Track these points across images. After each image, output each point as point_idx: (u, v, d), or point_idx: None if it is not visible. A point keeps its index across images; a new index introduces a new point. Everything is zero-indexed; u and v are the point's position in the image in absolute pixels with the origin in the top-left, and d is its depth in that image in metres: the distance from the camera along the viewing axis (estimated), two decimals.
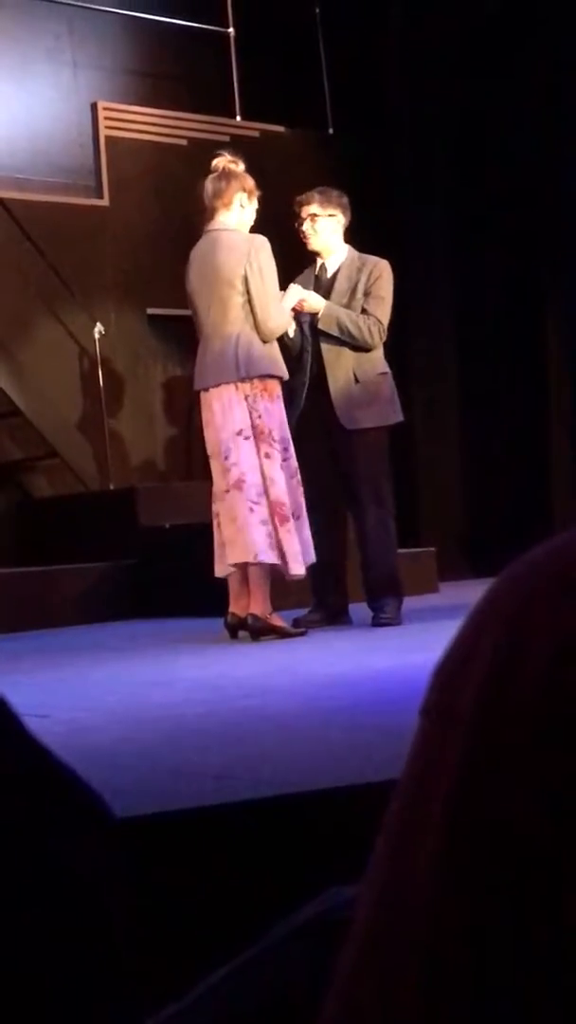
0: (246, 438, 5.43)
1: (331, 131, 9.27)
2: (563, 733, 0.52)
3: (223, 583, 5.55)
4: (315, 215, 5.85)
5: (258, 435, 5.44)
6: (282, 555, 5.41)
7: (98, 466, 8.24)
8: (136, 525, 7.38)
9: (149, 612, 6.88)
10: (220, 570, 5.54)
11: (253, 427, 5.44)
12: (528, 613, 0.55)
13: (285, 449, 5.51)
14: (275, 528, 5.40)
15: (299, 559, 5.45)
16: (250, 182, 5.57)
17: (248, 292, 5.45)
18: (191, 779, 2.52)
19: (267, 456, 5.44)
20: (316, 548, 5.82)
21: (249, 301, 5.46)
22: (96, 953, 0.76)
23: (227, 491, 5.47)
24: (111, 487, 8.02)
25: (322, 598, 5.90)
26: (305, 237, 5.88)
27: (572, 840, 0.51)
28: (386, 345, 5.93)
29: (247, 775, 2.51)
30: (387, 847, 0.59)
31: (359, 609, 5.88)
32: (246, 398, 5.44)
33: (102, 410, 8.16)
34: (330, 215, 5.86)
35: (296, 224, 5.90)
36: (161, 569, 6.94)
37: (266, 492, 5.42)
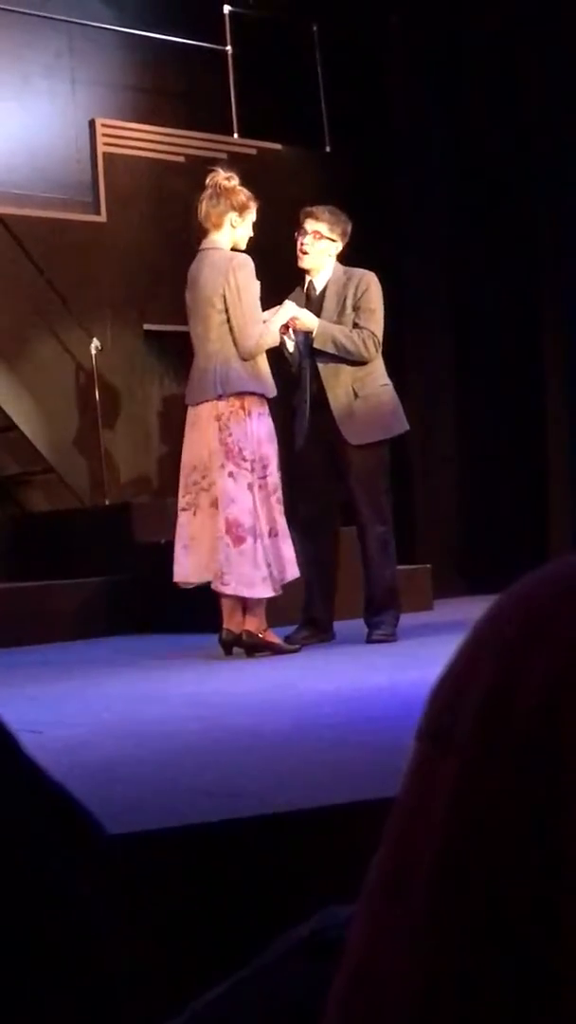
0: (216, 458, 5.45)
1: (328, 149, 9.30)
2: (559, 759, 0.52)
3: (217, 599, 5.55)
4: (320, 234, 5.85)
5: (227, 453, 5.45)
6: (234, 577, 5.41)
7: (94, 481, 8.25)
8: (131, 541, 7.38)
9: (144, 628, 6.88)
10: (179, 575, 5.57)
11: (222, 446, 5.45)
12: (525, 639, 0.56)
13: (264, 467, 5.51)
14: (228, 549, 5.42)
15: (271, 579, 5.44)
16: (241, 198, 5.55)
17: (227, 311, 5.46)
18: (185, 796, 2.51)
19: (231, 475, 5.44)
20: (314, 562, 5.82)
21: (228, 320, 5.47)
22: (88, 970, 0.76)
23: (198, 508, 5.51)
24: (107, 502, 8.02)
25: (311, 615, 5.90)
26: (301, 249, 5.86)
27: (564, 865, 0.52)
28: (383, 358, 5.93)
29: (241, 792, 2.51)
30: (382, 870, 0.59)
31: (355, 625, 5.88)
32: (218, 418, 5.46)
33: (98, 425, 8.17)
34: (332, 240, 5.86)
35: (296, 232, 5.88)
36: (156, 585, 6.92)
37: (225, 511, 5.43)
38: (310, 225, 5.84)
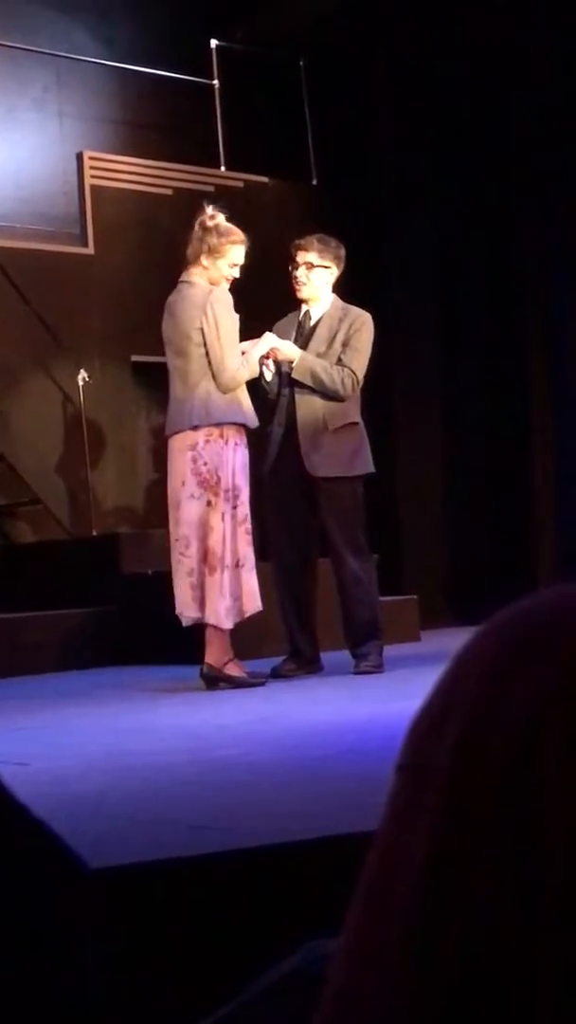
0: (184, 486, 5.47)
1: (315, 182, 9.34)
2: (540, 787, 0.52)
3: (202, 632, 5.54)
4: (311, 264, 5.88)
5: (202, 483, 5.46)
6: (204, 607, 5.42)
7: (80, 512, 8.24)
8: (118, 572, 7.36)
9: (130, 659, 6.86)
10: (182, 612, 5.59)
11: (193, 476, 5.46)
12: (505, 668, 0.56)
13: (236, 497, 5.52)
14: (202, 578, 5.42)
15: (230, 612, 5.45)
16: (213, 240, 5.52)
17: (205, 345, 5.48)
18: (170, 829, 2.50)
19: (209, 504, 5.46)
20: (291, 596, 5.82)
21: (207, 353, 5.49)
22: (73, 1005, 0.76)
23: (176, 540, 5.52)
24: (93, 533, 8.01)
25: (297, 647, 5.88)
26: (297, 283, 5.90)
27: (546, 893, 0.51)
28: (366, 393, 5.95)
29: (226, 825, 2.50)
30: (363, 904, 0.58)
31: (343, 656, 5.87)
32: (192, 447, 5.48)
33: (85, 456, 8.17)
34: (325, 267, 5.89)
35: (290, 267, 5.91)
36: (143, 616, 6.92)
37: (201, 540, 5.43)
38: (301, 257, 5.88)
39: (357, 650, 5.78)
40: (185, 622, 5.54)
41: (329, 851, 2.13)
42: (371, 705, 4.57)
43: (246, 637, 5.89)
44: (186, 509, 5.48)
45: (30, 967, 0.74)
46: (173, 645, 6.29)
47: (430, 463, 8.99)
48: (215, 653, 5.45)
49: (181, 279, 5.64)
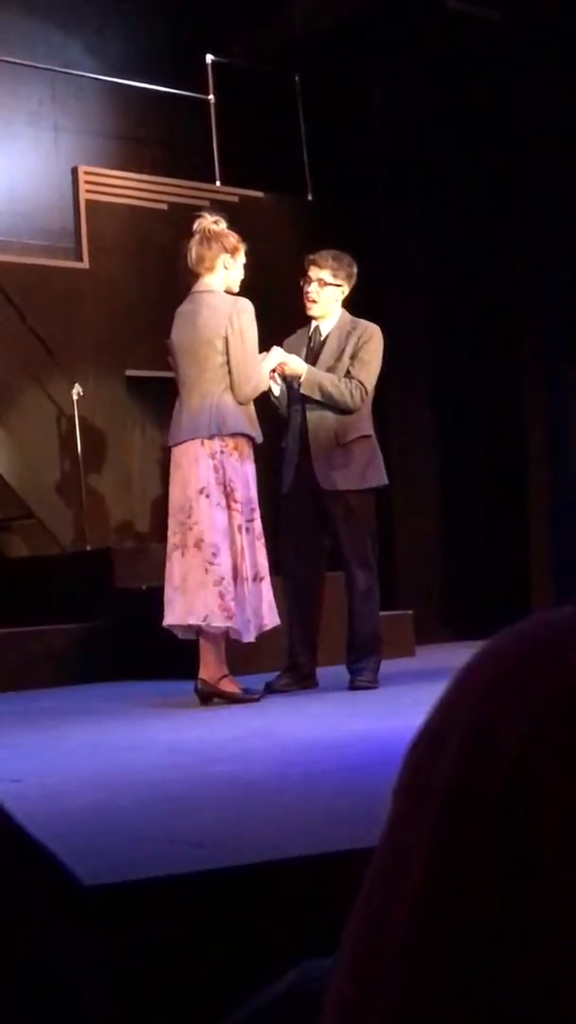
0: (207, 496, 5.43)
1: (310, 197, 9.36)
2: (534, 812, 0.52)
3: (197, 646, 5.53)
4: (324, 281, 5.88)
5: (225, 493, 5.44)
6: (233, 618, 5.38)
7: (75, 527, 8.23)
8: (112, 586, 7.35)
9: (125, 674, 6.84)
10: (168, 620, 5.52)
11: (217, 485, 5.44)
12: (498, 696, 0.56)
13: (251, 511, 5.51)
14: (230, 590, 5.38)
15: (249, 625, 5.43)
16: (232, 240, 5.59)
17: (227, 354, 5.48)
18: (165, 846, 2.49)
19: (229, 517, 5.44)
20: (298, 610, 5.81)
21: (228, 362, 5.48)
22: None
23: (185, 548, 5.47)
24: (88, 548, 8.00)
25: (295, 660, 5.88)
26: (308, 298, 5.89)
27: (539, 917, 0.51)
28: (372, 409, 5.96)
29: (221, 842, 2.49)
30: (360, 925, 0.58)
31: (337, 671, 5.86)
32: (212, 455, 5.45)
33: (79, 471, 8.16)
34: (337, 285, 5.89)
35: (301, 282, 5.90)
36: (137, 631, 6.91)
37: (224, 553, 5.41)
38: (314, 273, 5.88)
39: (354, 665, 5.78)
40: (214, 631, 5.40)
41: (325, 868, 2.12)
42: (366, 721, 4.56)
43: (241, 652, 5.88)
44: (214, 517, 5.41)
45: (25, 985, 0.73)
46: (167, 660, 6.28)
47: (425, 479, 9.00)
48: (210, 668, 5.43)
49: (196, 289, 5.62)
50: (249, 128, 9.03)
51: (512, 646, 0.58)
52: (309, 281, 5.88)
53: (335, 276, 5.87)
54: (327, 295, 5.88)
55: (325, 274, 5.86)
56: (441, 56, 8.74)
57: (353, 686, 5.70)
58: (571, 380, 8.54)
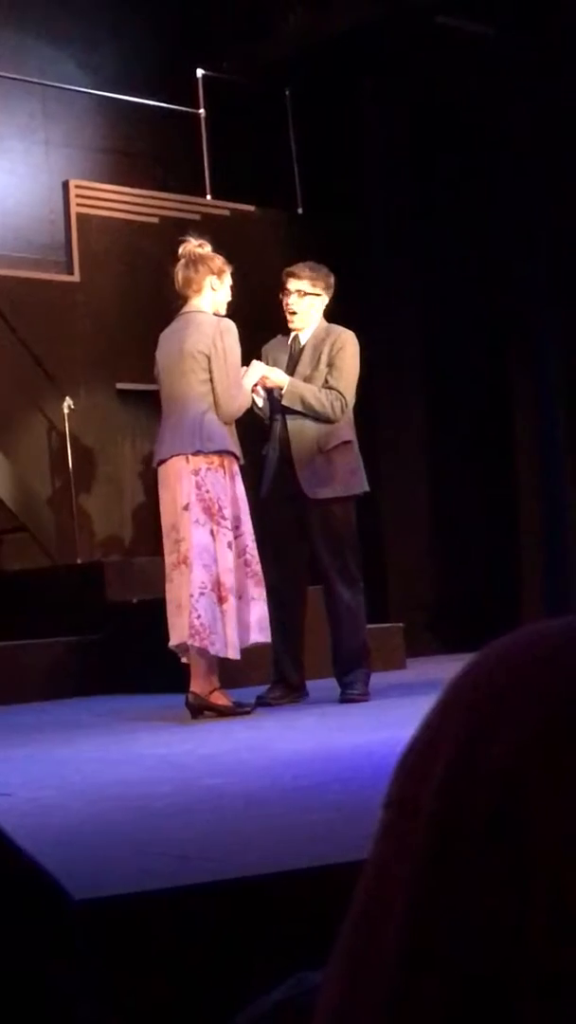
0: (191, 512, 5.44)
1: (300, 211, 9.38)
2: (525, 827, 0.52)
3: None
4: (303, 291, 5.90)
5: (206, 510, 5.44)
6: (217, 635, 5.38)
7: (65, 540, 8.22)
8: (103, 600, 7.34)
9: (116, 688, 6.83)
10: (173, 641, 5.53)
11: (199, 502, 5.44)
12: (488, 709, 0.55)
13: (236, 527, 5.51)
14: (213, 607, 5.38)
15: (235, 643, 5.42)
16: (218, 262, 5.62)
17: (211, 372, 5.50)
18: (155, 859, 2.48)
19: (212, 533, 5.44)
20: (280, 623, 5.80)
21: (211, 381, 5.50)
22: None
23: (175, 566, 5.48)
24: (78, 561, 7.99)
25: (283, 674, 5.87)
26: (288, 311, 5.91)
27: (531, 933, 0.51)
28: (355, 417, 5.96)
29: (212, 856, 2.48)
30: (351, 939, 0.58)
31: (328, 684, 5.86)
32: (195, 472, 5.46)
33: (70, 484, 8.16)
34: (316, 294, 5.91)
35: (281, 295, 5.93)
36: (128, 645, 6.90)
37: (205, 568, 5.41)
38: (292, 284, 5.90)
39: (344, 678, 5.78)
40: (184, 653, 5.45)
41: (316, 882, 2.12)
42: (357, 734, 4.56)
43: (233, 665, 5.87)
44: (193, 534, 5.44)
45: (16, 1001, 0.73)
46: (158, 674, 6.27)
47: (416, 490, 9.00)
48: (201, 682, 5.43)
49: (184, 310, 5.65)
50: (240, 142, 9.05)
51: (502, 658, 0.58)
52: (288, 293, 5.90)
53: (314, 285, 5.90)
54: (307, 305, 5.90)
55: (303, 284, 5.89)
56: (431, 71, 8.77)
57: (344, 699, 5.69)
58: (562, 394, 8.56)
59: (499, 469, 8.72)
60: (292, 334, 5.98)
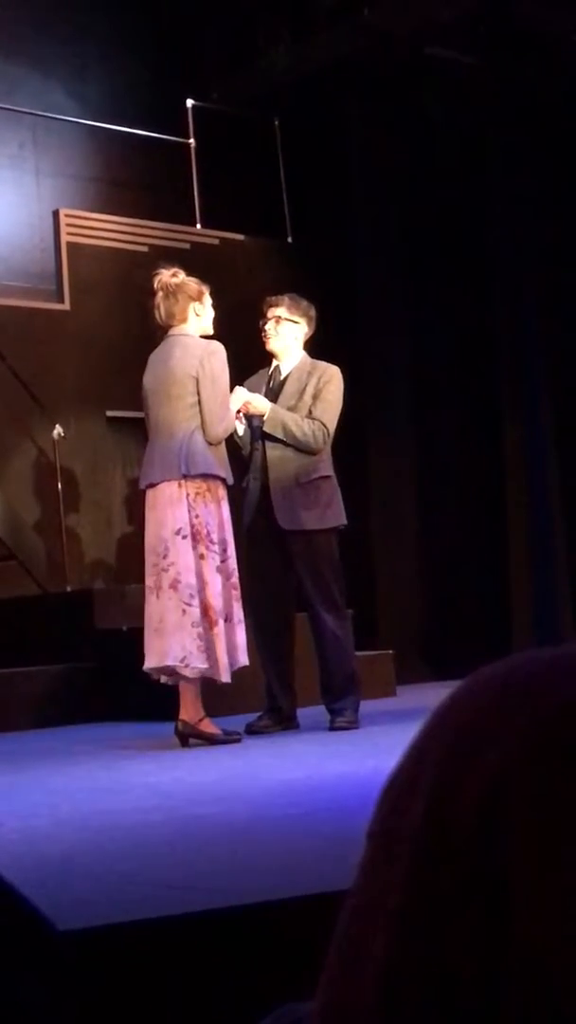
0: (183, 537, 5.44)
1: (290, 240, 9.41)
2: (505, 855, 0.52)
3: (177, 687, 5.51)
4: (280, 318, 5.92)
5: (195, 535, 5.44)
6: (210, 659, 5.39)
7: (54, 568, 8.20)
8: (92, 628, 7.33)
9: (104, 716, 6.81)
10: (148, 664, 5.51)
11: (191, 526, 5.44)
12: (469, 739, 0.56)
13: (224, 551, 5.52)
14: (205, 631, 5.38)
15: (226, 665, 5.42)
16: (194, 287, 5.65)
17: (199, 395, 5.51)
18: (143, 889, 2.47)
19: (202, 557, 5.45)
20: (269, 652, 5.80)
21: (199, 403, 5.52)
22: None
23: (160, 590, 5.47)
24: (68, 589, 7.98)
25: (274, 702, 5.86)
26: (265, 336, 5.95)
27: (513, 962, 0.51)
28: (339, 447, 5.97)
29: (201, 885, 2.47)
30: (336, 967, 0.58)
31: (318, 712, 5.85)
32: (187, 496, 5.47)
33: (60, 512, 8.15)
34: (294, 322, 5.94)
35: (260, 322, 5.96)
36: (117, 673, 6.88)
37: (199, 593, 5.41)
38: (271, 312, 5.95)
39: (333, 705, 5.77)
40: (191, 673, 5.39)
41: (304, 911, 2.11)
42: (346, 762, 4.55)
43: (221, 693, 5.86)
44: (189, 559, 5.43)
45: None
46: (147, 702, 6.25)
47: (406, 518, 9.01)
48: (190, 710, 5.42)
49: (171, 333, 5.66)
50: (229, 171, 9.09)
51: (485, 687, 0.58)
52: (266, 321, 5.93)
53: (291, 312, 5.93)
54: (284, 331, 5.93)
55: (281, 311, 5.92)
56: (419, 101, 8.82)
57: (334, 727, 5.68)
58: (551, 419, 8.58)
59: (489, 497, 8.74)
60: (272, 364, 6.00)
